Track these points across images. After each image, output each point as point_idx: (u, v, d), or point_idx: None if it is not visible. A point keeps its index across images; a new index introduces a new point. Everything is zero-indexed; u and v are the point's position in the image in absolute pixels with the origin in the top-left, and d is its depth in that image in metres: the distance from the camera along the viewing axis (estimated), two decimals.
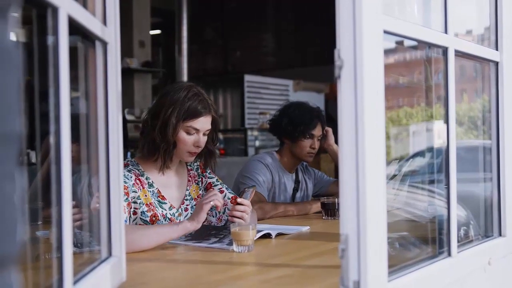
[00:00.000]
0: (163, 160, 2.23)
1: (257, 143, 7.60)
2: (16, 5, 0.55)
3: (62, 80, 1.01)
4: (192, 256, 1.82)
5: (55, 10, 0.99)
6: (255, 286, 1.49)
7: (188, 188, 2.36)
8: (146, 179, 2.23)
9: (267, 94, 8.31)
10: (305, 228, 2.35)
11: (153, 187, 2.23)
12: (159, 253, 1.88)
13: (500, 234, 1.82)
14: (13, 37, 0.55)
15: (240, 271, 1.67)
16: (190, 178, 2.39)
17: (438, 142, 1.95)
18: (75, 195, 1.09)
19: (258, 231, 2.04)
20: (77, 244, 1.39)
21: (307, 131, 2.98)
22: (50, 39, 1.02)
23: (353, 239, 1.17)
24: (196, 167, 2.43)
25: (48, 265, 1.31)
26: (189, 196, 2.35)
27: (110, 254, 1.37)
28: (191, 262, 1.76)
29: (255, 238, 1.92)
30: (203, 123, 2.22)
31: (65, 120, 1.02)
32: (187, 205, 2.33)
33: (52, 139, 1.02)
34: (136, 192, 2.14)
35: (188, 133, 2.20)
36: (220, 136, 7.80)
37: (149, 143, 2.21)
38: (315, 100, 6.63)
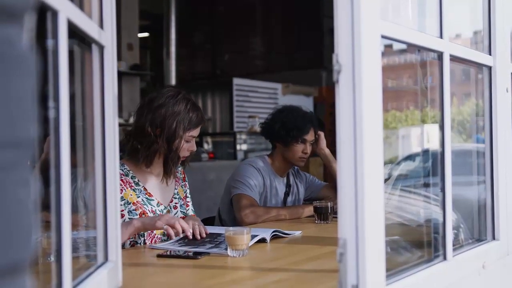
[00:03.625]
0: (170, 170, 2.30)
1: (246, 146, 7.58)
2: (31, 11, 0.55)
3: (61, 83, 1.00)
4: (187, 261, 1.81)
5: (55, 13, 0.98)
6: None
7: (176, 187, 2.44)
8: (132, 178, 2.27)
9: (256, 97, 8.30)
10: (298, 233, 2.35)
11: (140, 185, 2.28)
12: (154, 258, 1.87)
13: (493, 238, 1.83)
14: (28, 42, 0.55)
15: (236, 276, 1.67)
16: (177, 179, 2.47)
17: (429, 145, 1.96)
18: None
19: (253, 236, 2.04)
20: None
21: (300, 136, 2.98)
22: (49, 43, 1.01)
23: (352, 243, 1.17)
24: (179, 171, 2.52)
25: (43, 270, 1.30)
26: (177, 195, 2.43)
27: (106, 259, 1.36)
28: (186, 267, 1.76)
29: (250, 244, 1.91)
30: (199, 130, 2.35)
31: (65, 123, 1.01)
32: (176, 203, 2.41)
33: (51, 143, 1.01)
34: (119, 193, 2.16)
35: (187, 141, 2.30)
36: (209, 139, 7.79)
37: (153, 153, 2.26)
38: (304, 103, 6.64)
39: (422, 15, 1.84)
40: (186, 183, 2.53)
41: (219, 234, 2.18)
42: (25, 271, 0.54)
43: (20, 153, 0.53)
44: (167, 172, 2.31)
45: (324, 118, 7.80)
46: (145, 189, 2.29)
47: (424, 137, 2.01)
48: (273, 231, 2.20)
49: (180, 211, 2.41)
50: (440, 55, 1.54)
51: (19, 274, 0.53)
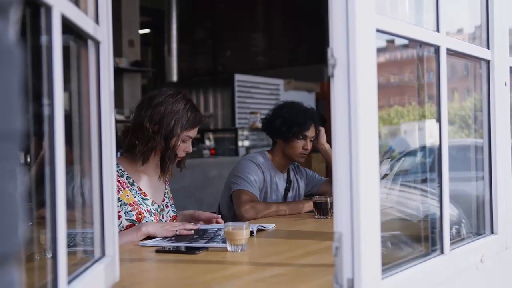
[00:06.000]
0: (166, 168, 2.33)
1: (248, 143, 7.59)
2: (16, 5, 0.55)
3: (55, 79, 1.00)
4: (186, 256, 1.82)
5: (48, 9, 0.99)
6: (250, 285, 1.49)
7: (166, 187, 2.48)
8: (127, 178, 2.30)
9: (257, 93, 8.31)
10: (271, 226, 2.38)
11: (134, 185, 2.30)
12: (152, 253, 1.87)
13: (492, 232, 1.83)
14: (13, 36, 0.55)
15: (234, 270, 1.67)
16: (166, 180, 2.50)
17: (430, 141, 1.96)
18: (66, 196, 1.08)
19: None
20: (69, 243, 1.38)
21: (301, 132, 2.98)
22: (43, 38, 1.01)
23: (347, 237, 1.18)
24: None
25: (40, 265, 1.31)
26: (168, 195, 2.47)
27: (103, 254, 1.37)
28: (185, 262, 1.76)
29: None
30: (196, 131, 2.38)
31: (59, 120, 1.01)
32: (167, 203, 2.45)
33: (45, 140, 1.01)
34: (116, 191, 2.19)
35: (183, 141, 2.32)
36: (211, 136, 7.79)
37: (150, 150, 2.28)
38: (306, 99, 6.64)
39: (420, 10, 1.84)
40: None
41: (206, 230, 2.20)
42: (12, 263, 0.55)
43: (7, 146, 0.53)
44: (164, 170, 2.33)
45: (326, 114, 7.79)
46: (139, 189, 2.32)
47: (425, 132, 2.01)
48: (258, 226, 2.24)
49: (171, 210, 2.46)
50: (437, 49, 1.54)
51: (6, 266, 0.53)
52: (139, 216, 2.23)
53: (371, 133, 1.21)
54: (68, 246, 1.17)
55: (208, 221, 2.42)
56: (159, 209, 2.36)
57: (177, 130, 2.27)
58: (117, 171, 2.26)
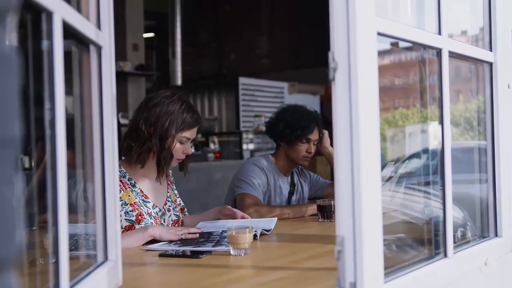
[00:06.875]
0: (162, 169, 2.33)
1: (253, 146, 7.58)
2: (14, 10, 0.56)
3: (57, 84, 1.01)
4: (189, 260, 1.81)
5: (49, 14, 0.99)
6: None
7: (168, 191, 2.47)
8: (129, 180, 2.31)
9: (262, 96, 8.31)
10: (274, 220, 2.41)
11: (136, 187, 2.31)
12: (155, 257, 1.87)
13: (496, 235, 1.82)
14: (11, 42, 0.55)
15: (237, 274, 1.67)
16: (169, 183, 2.50)
17: (434, 143, 1.96)
18: (70, 200, 1.08)
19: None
20: (71, 247, 1.39)
21: (304, 135, 2.98)
22: (44, 44, 1.02)
23: (349, 240, 1.17)
24: (170, 174, 2.57)
25: (43, 270, 1.31)
26: (170, 198, 2.47)
27: (106, 258, 1.37)
28: (188, 266, 1.76)
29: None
30: (195, 132, 2.37)
31: (61, 124, 1.01)
32: (169, 206, 2.45)
33: (46, 144, 1.02)
34: (118, 193, 2.20)
35: (181, 142, 2.32)
36: (215, 139, 7.79)
37: (146, 152, 2.28)
38: (310, 102, 6.65)
39: (422, 12, 1.84)
40: (174, 186, 2.57)
41: (211, 233, 2.20)
42: (10, 269, 0.55)
43: (5, 152, 0.54)
44: (159, 171, 2.33)
45: (330, 117, 7.78)
46: (141, 191, 2.32)
47: (430, 134, 2.00)
48: (261, 232, 2.23)
49: (173, 213, 2.45)
50: (438, 52, 1.54)
51: (4, 271, 0.54)
52: (139, 218, 2.24)
53: (372, 136, 1.21)
54: (70, 249, 1.17)
55: (232, 217, 2.45)
56: (160, 213, 2.36)
57: (172, 130, 2.26)
58: (120, 172, 2.27)
